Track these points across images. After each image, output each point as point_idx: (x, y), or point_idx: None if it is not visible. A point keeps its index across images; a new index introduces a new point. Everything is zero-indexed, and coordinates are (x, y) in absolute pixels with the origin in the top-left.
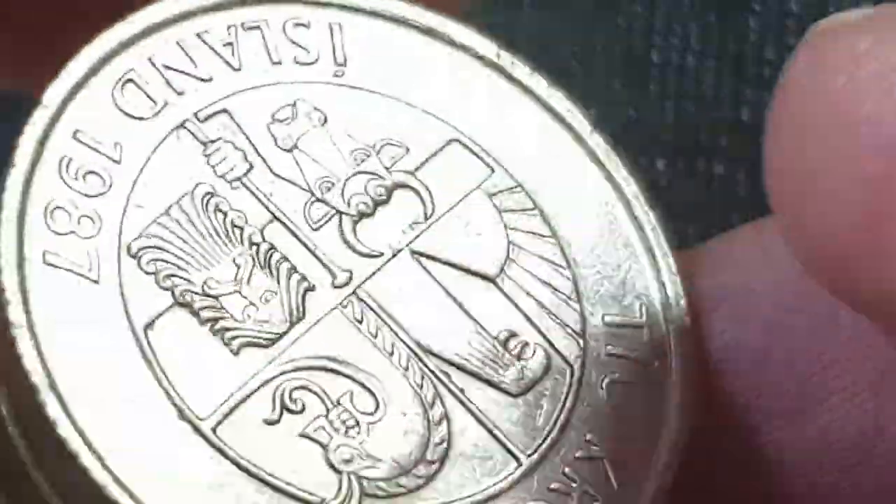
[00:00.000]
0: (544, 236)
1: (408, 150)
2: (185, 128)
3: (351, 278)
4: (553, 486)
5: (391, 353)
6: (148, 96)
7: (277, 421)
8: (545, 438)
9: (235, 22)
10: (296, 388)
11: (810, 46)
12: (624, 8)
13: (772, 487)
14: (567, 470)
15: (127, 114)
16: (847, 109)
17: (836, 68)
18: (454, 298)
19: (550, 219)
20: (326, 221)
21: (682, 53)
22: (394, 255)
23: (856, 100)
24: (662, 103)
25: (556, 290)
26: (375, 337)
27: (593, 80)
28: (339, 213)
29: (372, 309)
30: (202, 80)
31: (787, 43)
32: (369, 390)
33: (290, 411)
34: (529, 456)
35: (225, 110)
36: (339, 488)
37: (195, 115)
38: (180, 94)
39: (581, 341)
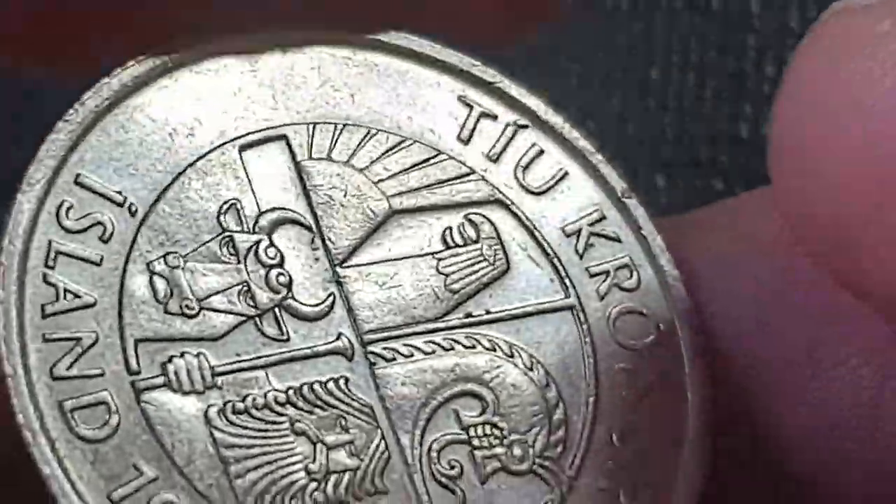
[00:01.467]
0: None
1: (241, 203)
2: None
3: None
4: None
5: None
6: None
7: None
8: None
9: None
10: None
11: (827, 26)
12: (624, 25)
13: (773, 463)
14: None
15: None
16: (864, 88)
17: (854, 48)
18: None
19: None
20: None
21: (681, 70)
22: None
23: (874, 79)
24: (662, 120)
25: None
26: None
27: (592, 97)
28: (297, 316)
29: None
30: None
31: (786, 60)
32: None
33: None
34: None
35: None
36: None
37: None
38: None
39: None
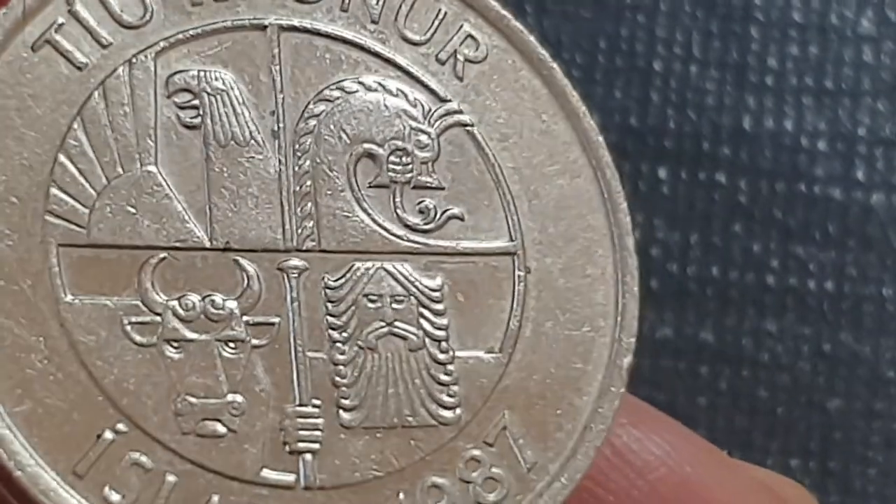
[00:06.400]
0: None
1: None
2: None
3: None
4: None
5: None
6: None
7: None
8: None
9: None
10: None
11: None
12: (626, 17)
13: None
14: None
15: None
16: None
17: None
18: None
19: None
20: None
21: (684, 62)
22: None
23: None
24: (665, 112)
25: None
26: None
27: (595, 89)
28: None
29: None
30: None
31: (789, 52)
32: None
33: None
34: None
35: None
36: None
37: None
38: None
39: None
